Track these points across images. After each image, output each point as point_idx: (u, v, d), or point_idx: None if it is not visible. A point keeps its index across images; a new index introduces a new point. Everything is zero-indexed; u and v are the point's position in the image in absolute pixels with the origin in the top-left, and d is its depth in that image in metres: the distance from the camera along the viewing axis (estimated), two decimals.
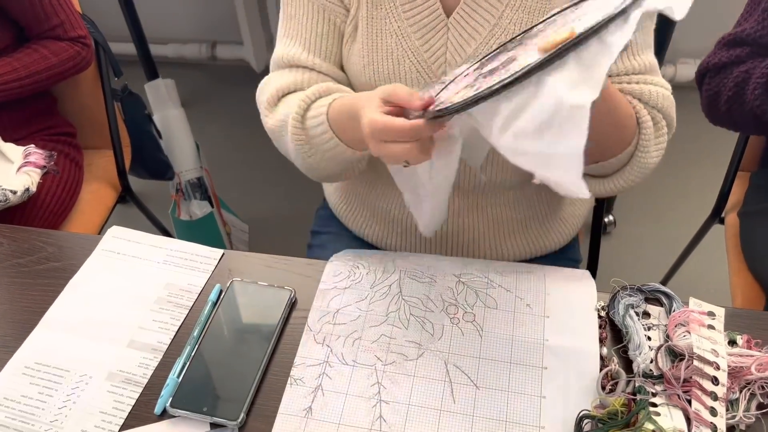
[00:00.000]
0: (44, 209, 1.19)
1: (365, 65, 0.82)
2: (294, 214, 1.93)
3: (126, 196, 1.43)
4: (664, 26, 1.42)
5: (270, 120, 0.83)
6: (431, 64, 0.81)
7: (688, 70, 2.09)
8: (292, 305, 0.76)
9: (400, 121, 0.61)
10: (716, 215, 1.30)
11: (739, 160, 1.24)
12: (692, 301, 0.71)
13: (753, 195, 1.19)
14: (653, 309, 0.73)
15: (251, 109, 2.64)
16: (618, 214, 1.86)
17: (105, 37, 1.36)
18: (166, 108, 1.66)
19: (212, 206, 1.62)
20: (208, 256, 0.82)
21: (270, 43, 2.25)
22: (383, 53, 0.82)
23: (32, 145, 1.15)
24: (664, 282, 1.70)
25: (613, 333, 0.72)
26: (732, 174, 1.25)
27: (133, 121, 1.49)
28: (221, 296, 0.77)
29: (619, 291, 0.73)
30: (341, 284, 0.77)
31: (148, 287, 0.79)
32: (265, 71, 0.90)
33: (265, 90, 0.86)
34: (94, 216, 1.34)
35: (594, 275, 1.21)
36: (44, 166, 1.10)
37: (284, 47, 0.85)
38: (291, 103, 0.80)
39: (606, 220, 1.84)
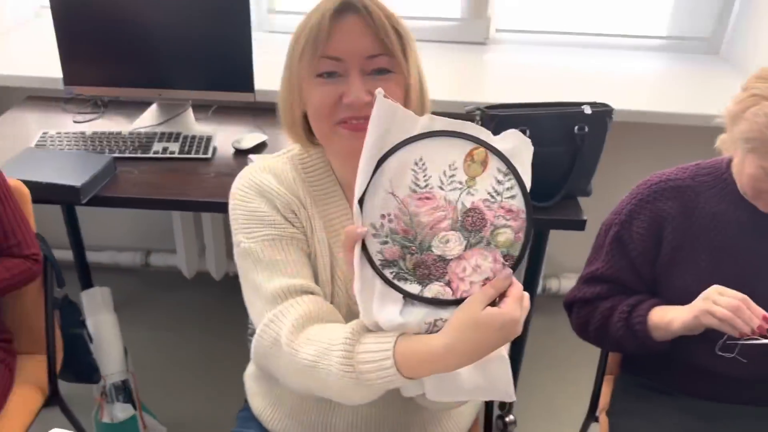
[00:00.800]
0: None
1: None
2: (213, 417, 2.00)
3: (52, 400, 1.50)
4: (539, 244, 1.73)
5: (299, 356, 0.88)
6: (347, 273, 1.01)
7: (570, 283, 2.42)
8: None
9: None
10: (591, 414, 1.49)
11: (604, 365, 1.47)
12: None
13: (616, 397, 1.40)
14: None
15: (180, 313, 2.77)
16: (518, 413, 2.03)
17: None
18: (99, 313, 1.78)
19: (135, 409, 1.68)
20: None
21: (202, 252, 2.45)
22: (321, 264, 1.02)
23: None
24: None
25: None
26: (600, 378, 1.47)
27: (68, 327, 1.60)
28: None
29: None
30: None
31: None
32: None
33: (278, 328, 0.91)
34: (19, 421, 1.39)
35: None
36: None
37: (276, 282, 0.95)
38: (321, 342, 0.87)
39: (507, 419, 2.00)
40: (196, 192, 1.62)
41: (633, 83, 2.14)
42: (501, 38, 2.37)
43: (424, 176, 0.80)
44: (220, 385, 2.12)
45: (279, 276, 0.97)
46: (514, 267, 0.81)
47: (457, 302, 0.81)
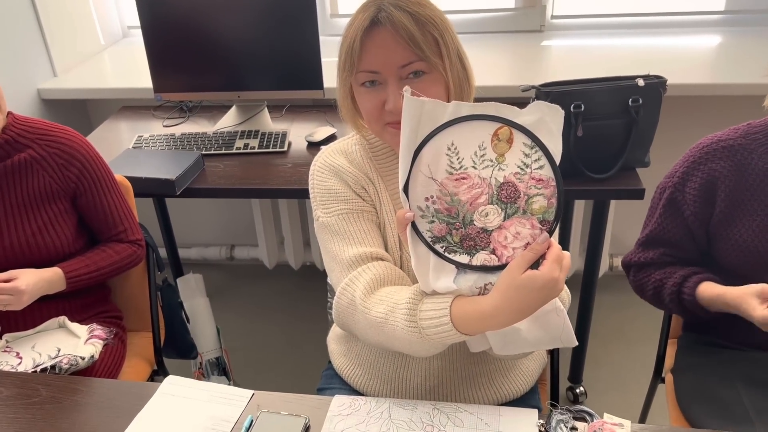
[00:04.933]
0: (96, 376, 1.43)
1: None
2: (295, 389, 2.14)
3: (159, 371, 1.67)
4: (601, 215, 1.80)
5: (371, 314, 0.99)
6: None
7: None
8: (306, 430, 0.99)
9: None
10: (657, 376, 1.54)
11: (668, 329, 1.52)
12: (606, 415, 0.95)
13: (680, 355, 1.45)
14: (579, 425, 0.96)
15: (263, 300, 2.94)
16: (588, 386, 2.08)
17: None
18: (194, 297, 1.96)
19: (229, 381, 1.85)
20: (241, 395, 1.07)
21: (281, 244, 2.62)
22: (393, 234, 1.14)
23: (94, 323, 1.43)
24: None
25: None
26: (664, 342, 1.52)
27: (168, 307, 1.78)
28: (252, 424, 1.00)
29: (552, 411, 0.98)
30: (344, 412, 1.01)
31: (196, 419, 1.02)
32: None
33: (353, 290, 1.03)
34: None
35: None
36: (106, 339, 1.37)
37: (350, 251, 1.07)
38: (389, 302, 0.98)
39: (577, 390, 2.05)
40: (275, 181, 1.77)
41: (693, 59, 2.16)
42: (557, 24, 2.44)
43: (458, 159, 0.89)
44: (303, 361, 2.28)
45: (353, 245, 1.10)
46: (551, 231, 0.89)
47: (503, 267, 0.90)
